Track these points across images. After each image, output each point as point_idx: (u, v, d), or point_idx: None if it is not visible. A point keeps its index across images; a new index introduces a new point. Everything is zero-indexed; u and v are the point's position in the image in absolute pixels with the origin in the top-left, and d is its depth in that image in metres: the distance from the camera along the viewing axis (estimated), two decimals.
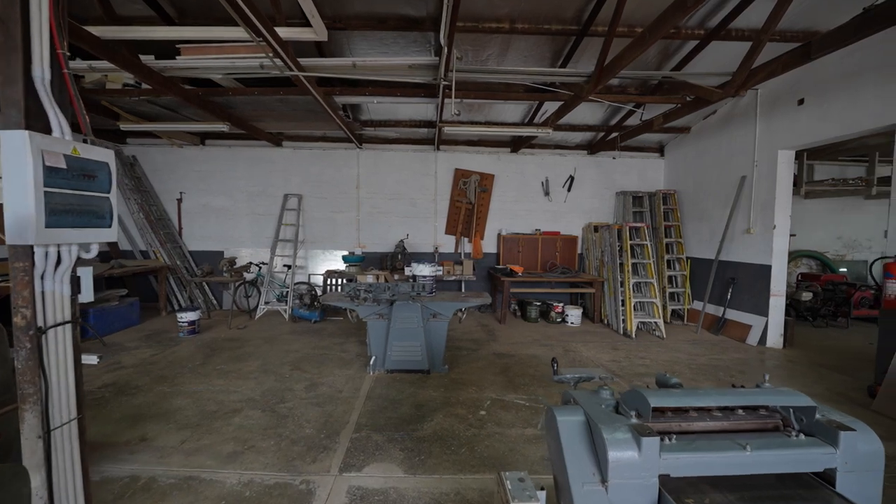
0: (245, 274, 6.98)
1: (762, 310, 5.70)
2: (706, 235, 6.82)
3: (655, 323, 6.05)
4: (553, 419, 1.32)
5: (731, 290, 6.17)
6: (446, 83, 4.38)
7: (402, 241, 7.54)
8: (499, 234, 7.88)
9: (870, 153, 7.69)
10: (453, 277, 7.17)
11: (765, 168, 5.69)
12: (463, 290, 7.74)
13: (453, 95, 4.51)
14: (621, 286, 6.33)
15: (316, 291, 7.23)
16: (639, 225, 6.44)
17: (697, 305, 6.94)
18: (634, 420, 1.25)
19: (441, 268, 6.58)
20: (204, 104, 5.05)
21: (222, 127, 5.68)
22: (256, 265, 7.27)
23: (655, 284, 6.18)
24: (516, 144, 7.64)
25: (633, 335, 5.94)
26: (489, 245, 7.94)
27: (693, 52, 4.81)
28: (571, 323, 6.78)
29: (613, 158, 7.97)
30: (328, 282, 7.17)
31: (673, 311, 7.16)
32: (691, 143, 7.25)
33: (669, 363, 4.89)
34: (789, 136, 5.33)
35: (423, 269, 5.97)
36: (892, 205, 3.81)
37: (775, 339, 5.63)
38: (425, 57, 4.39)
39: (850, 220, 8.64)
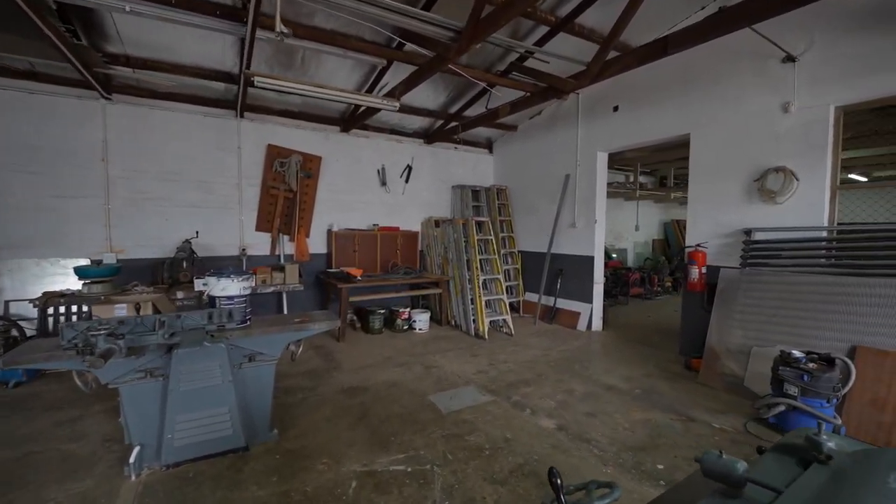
0: None
1: (587, 297, 6.20)
2: (535, 229, 7.14)
3: (504, 320, 5.89)
4: None
5: (559, 281, 6.56)
6: None
7: (188, 241, 5.30)
8: (329, 231, 6.48)
9: (633, 164, 9.61)
10: (272, 288, 5.44)
11: (586, 167, 6.16)
12: (285, 304, 6.04)
13: (278, 23, 3.00)
14: (469, 284, 5.95)
15: (20, 332, 4.34)
16: (484, 219, 6.18)
17: (530, 297, 7.23)
18: None
19: (253, 277, 4.83)
20: None
21: None
22: None
23: (501, 280, 6.02)
24: (347, 123, 6.38)
25: (486, 336, 5.61)
26: (317, 244, 6.45)
27: (544, 39, 4.63)
28: (420, 329, 6.04)
29: (456, 149, 7.62)
30: (49, 312, 4.37)
31: (509, 304, 7.29)
32: (518, 140, 7.49)
33: (530, 363, 4.66)
34: (606, 139, 5.85)
35: (228, 287, 4.19)
36: (689, 204, 4.30)
37: (598, 322, 6.21)
38: None
39: (615, 217, 10.74)
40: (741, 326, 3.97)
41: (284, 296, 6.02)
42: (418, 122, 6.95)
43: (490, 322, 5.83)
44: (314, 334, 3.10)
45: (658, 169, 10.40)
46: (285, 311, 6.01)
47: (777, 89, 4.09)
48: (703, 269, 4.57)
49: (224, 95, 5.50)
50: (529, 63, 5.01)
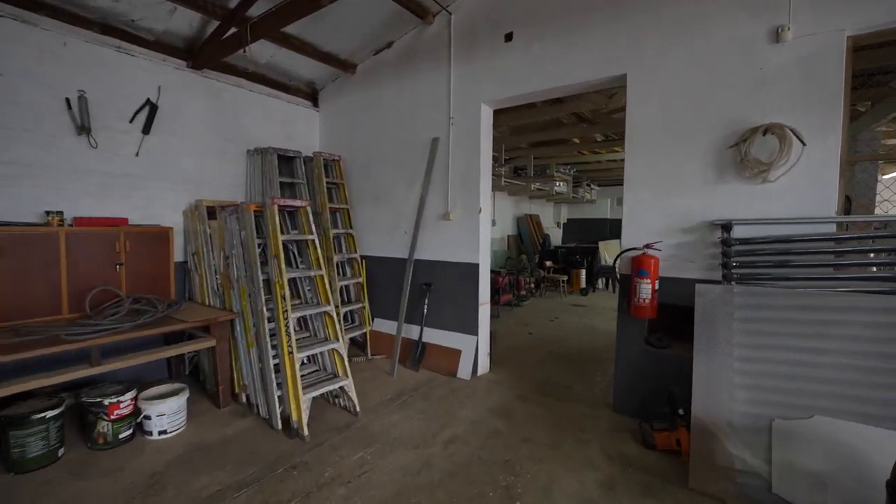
0: None
1: (470, 326, 4.11)
2: (388, 224, 4.72)
3: (342, 387, 3.26)
4: None
5: (427, 302, 4.32)
6: None
7: None
8: None
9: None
10: None
11: (463, 128, 4.04)
12: None
13: None
14: (270, 324, 3.13)
15: None
16: (298, 204, 3.37)
17: (383, 326, 4.78)
18: None
19: None
20: None
21: None
22: None
23: (334, 313, 3.36)
24: None
25: (305, 430, 2.89)
26: None
27: None
28: (164, 435, 2.90)
29: (251, 91, 4.48)
30: None
31: (351, 339, 4.68)
32: (358, 88, 4.91)
33: (406, 493, 2.22)
34: (494, 86, 3.82)
35: None
36: (626, 184, 2.67)
37: (485, 360, 4.20)
38: None
39: None
40: (746, 383, 2.38)
41: None
42: (173, 21, 3.64)
43: (314, 399, 3.10)
44: None
45: (515, 158, 9.29)
46: None
47: (761, 9, 2.65)
48: (656, 285, 2.94)
49: None
50: None
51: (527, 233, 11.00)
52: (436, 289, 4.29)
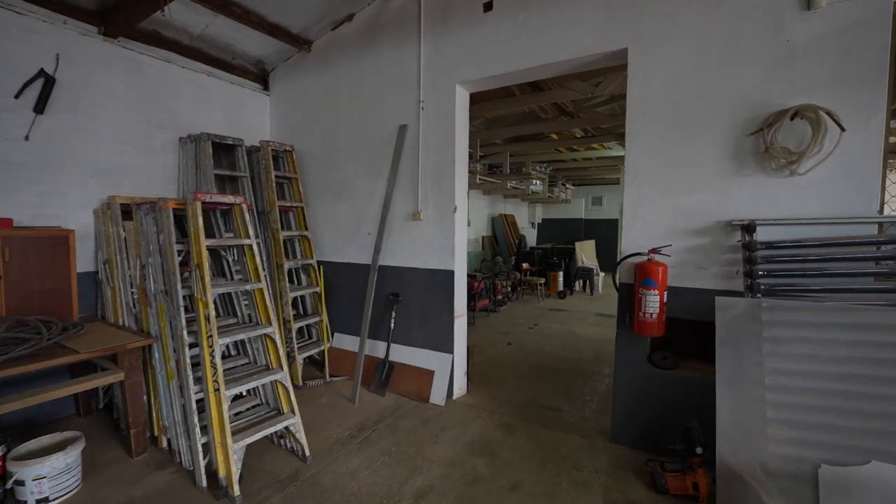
0: None
1: (445, 342, 3.57)
2: (349, 225, 4.12)
3: (287, 428, 2.63)
4: None
5: (394, 315, 3.74)
6: None
7: None
8: None
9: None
10: None
11: (436, 113, 3.49)
12: None
13: None
14: (191, 349, 2.48)
15: None
16: (229, 200, 2.70)
17: (344, 342, 4.16)
18: None
19: None
20: None
21: None
22: None
23: (276, 335, 2.72)
24: None
25: (234, 488, 2.26)
26: None
27: None
28: (45, 500, 2.20)
29: (183, 67, 3.75)
30: None
31: (308, 358, 4.03)
32: (315, 68, 4.27)
33: None
34: (472, 63, 3.29)
35: None
36: (627, 177, 2.19)
37: (462, 381, 3.67)
38: None
39: None
40: (783, 418, 1.95)
41: None
42: None
43: (249, 446, 2.47)
44: None
45: (490, 154, 8.82)
46: None
47: None
48: (664, 297, 2.50)
49: None
50: None
51: (502, 233, 10.58)
52: (405, 300, 3.73)
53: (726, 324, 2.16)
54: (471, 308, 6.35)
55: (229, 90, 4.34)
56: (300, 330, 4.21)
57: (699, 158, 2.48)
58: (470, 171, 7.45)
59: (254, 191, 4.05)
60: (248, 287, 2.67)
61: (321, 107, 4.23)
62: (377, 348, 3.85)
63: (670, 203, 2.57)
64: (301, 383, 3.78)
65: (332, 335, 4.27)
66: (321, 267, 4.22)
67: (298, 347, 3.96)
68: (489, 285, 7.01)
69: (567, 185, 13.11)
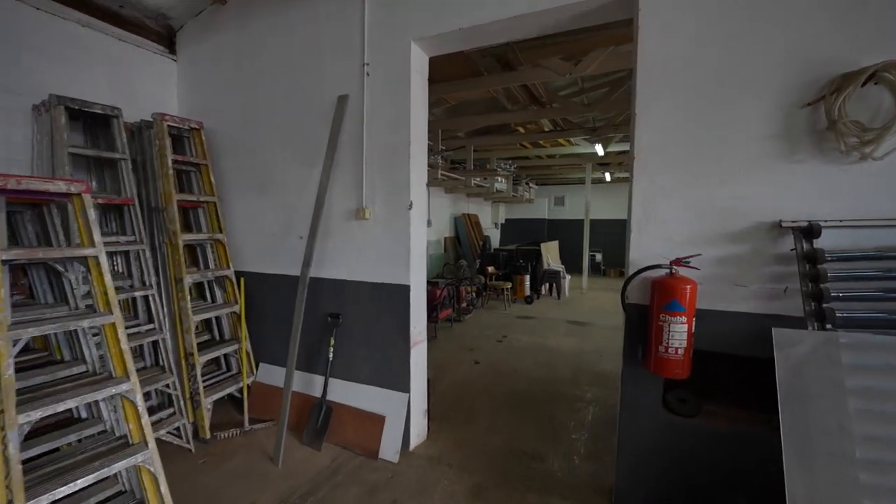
0: None
1: (400, 378, 2.77)
2: (275, 225, 3.22)
3: None
4: None
5: (333, 342, 2.89)
6: None
7: None
8: None
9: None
10: None
11: (385, 79, 2.69)
12: None
13: None
14: None
15: None
16: (62, 189, 1.74)
17: (271, 375, 3.26)
18: None
19: None
20: None
21: None
22: None
23: (136, 397, 1.81)
24: None
25: None
26: None
27: None
28: None
29: (39, 9, 2.69)
30: None
31: (226, 397, 3.08)
32: (231, 25, 3.33)
33: None
34: (430, 13, 2.52)
35: None
36: (636, 168, 1.48)
37: (422, 424, 2.89)
38: None
39: None
40: None
41: None
42: None
43: None
44: None
45: (452, 149, 8.10)
46: None
47: None
48: (693, 325, 1.85)
49: None
50: None
51: (465, 234, 9.91)
52: (347, 322, 2.89)
53: (792, 367, 1.53)
54: (432, 320, 5.58)
55: (119, 50, 3.29)
56: (214, 361, 3.26)
57: (734, 139, 1.86)
58: (430, 165, 6.70)
59: (146, 180, 3.06)
60: (92, 321, 1.74)
61: (240, 73, 3.30)
62: (313, 384, 2.99)
63: (695, 197, 1.94)
64: (208, 435, 2.84)
65: (257, 366, 3.35)
66: (241, 279, 3.29)
67: (211, 385, 3.03)
68: (452, 292, 6.27)
69: (531, 185, 12.70)
